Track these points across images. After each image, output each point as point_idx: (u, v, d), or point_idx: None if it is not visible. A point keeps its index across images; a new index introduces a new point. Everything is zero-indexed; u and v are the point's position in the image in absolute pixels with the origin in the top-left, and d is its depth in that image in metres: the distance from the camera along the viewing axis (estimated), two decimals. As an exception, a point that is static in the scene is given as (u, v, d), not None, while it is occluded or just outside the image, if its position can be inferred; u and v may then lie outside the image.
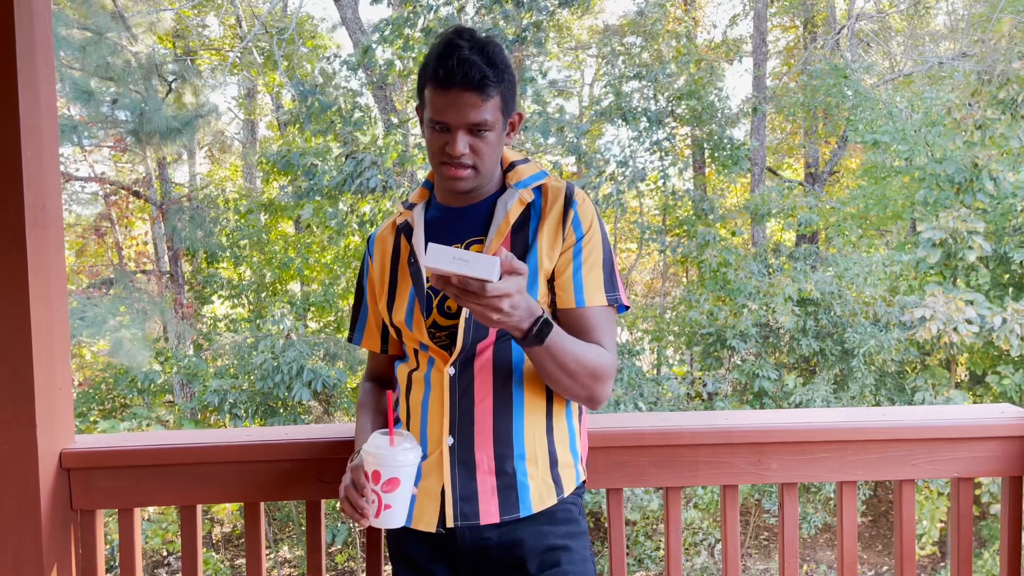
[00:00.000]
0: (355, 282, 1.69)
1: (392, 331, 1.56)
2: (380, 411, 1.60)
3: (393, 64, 9.15)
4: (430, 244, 1.20)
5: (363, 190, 8.26)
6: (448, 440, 1.45)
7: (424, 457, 1.47)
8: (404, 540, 1.50)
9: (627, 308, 1.52)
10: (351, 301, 9.19)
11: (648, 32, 11.35)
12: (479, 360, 1.45)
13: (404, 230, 1.56)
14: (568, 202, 1.48)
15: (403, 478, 1.34)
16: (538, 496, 1.45)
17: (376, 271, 1.59)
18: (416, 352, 1.52)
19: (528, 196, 1.49)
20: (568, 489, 1.49)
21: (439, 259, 1.18)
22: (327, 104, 8.68)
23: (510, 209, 1.47)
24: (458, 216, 1.51)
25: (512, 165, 1.54)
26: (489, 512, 1.43)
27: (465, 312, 1.44)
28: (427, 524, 1.46)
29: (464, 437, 1.45)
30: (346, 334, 1.62)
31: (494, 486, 1.43)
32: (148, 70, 8.69)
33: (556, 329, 1.34)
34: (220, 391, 8.20)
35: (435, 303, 1.47)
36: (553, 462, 1.47)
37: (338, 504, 1.44)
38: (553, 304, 1.47)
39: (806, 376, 8.79)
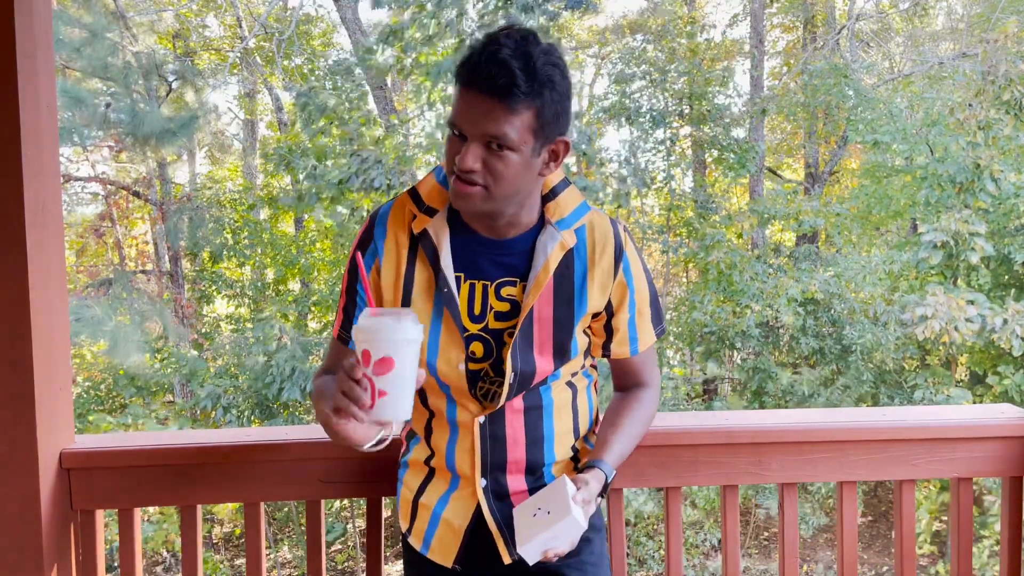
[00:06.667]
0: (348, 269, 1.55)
1: None
2: None
3: (393, 65, 9.15)
4: (515, 511, 1.29)
5: (366, 188, 8.25)
6: (481, 482, 1.40)
7: (455, 437, 1.40)
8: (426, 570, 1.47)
9: (664, 330, 1.53)
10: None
11: (658, 31, 11.34)
12: (511, 406, 1.38)
13: (424, 243, 1.36)
14: (619, 253, 1.38)
15: (397, 358, 1.11)
16: None
17: (388, 278, 1.38)
18: (428, 395, 1.42)
19: (571, 240, 1.36)
20: None
21: (529, 539, 1.25)
22: (321, 105, 8.68)
23: (550, 256, 1.34)
24: (491, 248, 1.35)
25: (553, 192, 1.38)
26: None
27: (509, 372, 1.34)
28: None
29: (497, 476, 1.41)
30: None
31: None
32: (148, 70, 8.69)
33: (613, 466, 1.39)
34: (219, 392, 8.20)
35: (466, 347, 1.36)
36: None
37: (335, 424, 1.20)
38: (605, 345, 1.46)
39: (805, 375, 8.81)
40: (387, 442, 1.22)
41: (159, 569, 8.98)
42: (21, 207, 1.53)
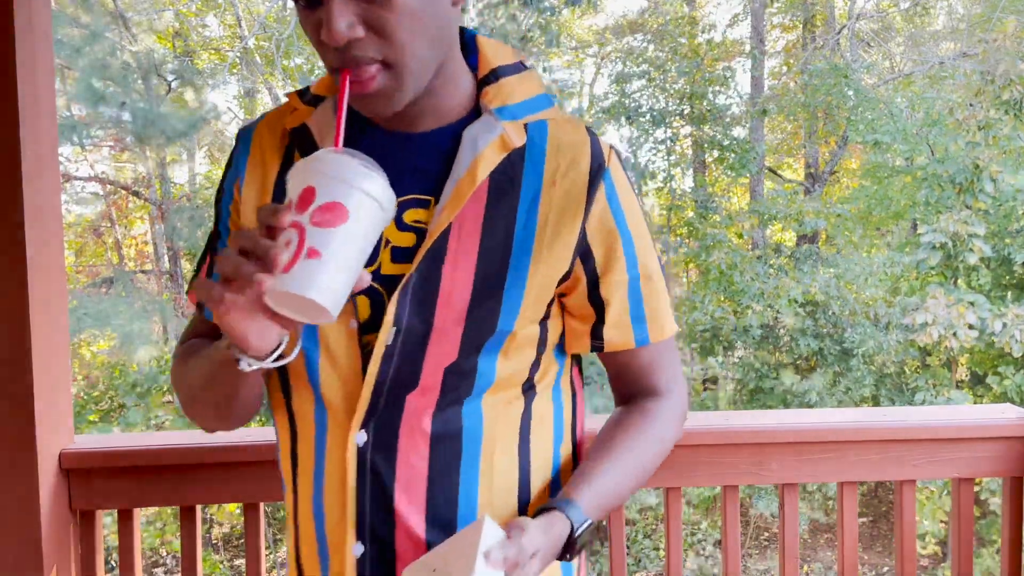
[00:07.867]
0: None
1: None
2: None
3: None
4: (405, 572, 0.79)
5: None
6: (355, 549, 0.88)
7: (321, 470, 0.91)
8: None
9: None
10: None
11: (659, 31, 11.36)
12: (407, 419, 0.86)
13: (298, 140, 0.89)
14: (597, 170, 0.86)
15: (352, 212, 0.69)
16: None
17: (250, 206, 0.91)
18: (291, 387, 0.91)
19: (517, 137, 0.84)
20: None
21: None
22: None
23: (482, 153, 0.83)
24: (396, 146, 0.87)
25: (495, 74, 0.87)
26: None
27: (389, 327, 0.83)
28: None
29: (381, 546, 0.88)
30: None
31: None
32: (147, 70, 8.71)
33: (587, 509, 0.87)
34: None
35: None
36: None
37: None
38: (595, 330, 0.93)
39: (805, 375, 8.82)
40: (289, 358, 0.78)
41: (159, 571, 8.97)
42: (21, 207, 1.52)
